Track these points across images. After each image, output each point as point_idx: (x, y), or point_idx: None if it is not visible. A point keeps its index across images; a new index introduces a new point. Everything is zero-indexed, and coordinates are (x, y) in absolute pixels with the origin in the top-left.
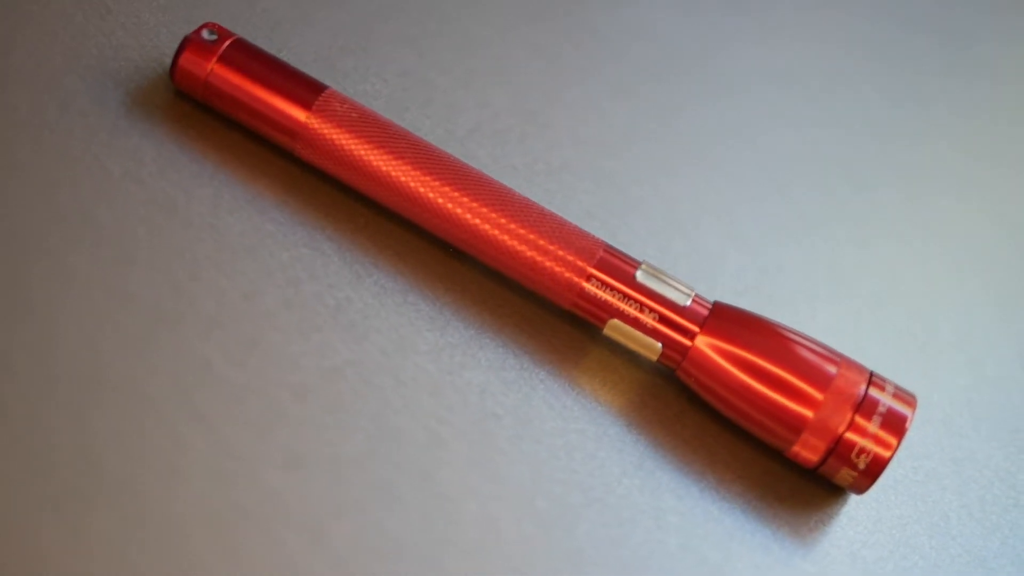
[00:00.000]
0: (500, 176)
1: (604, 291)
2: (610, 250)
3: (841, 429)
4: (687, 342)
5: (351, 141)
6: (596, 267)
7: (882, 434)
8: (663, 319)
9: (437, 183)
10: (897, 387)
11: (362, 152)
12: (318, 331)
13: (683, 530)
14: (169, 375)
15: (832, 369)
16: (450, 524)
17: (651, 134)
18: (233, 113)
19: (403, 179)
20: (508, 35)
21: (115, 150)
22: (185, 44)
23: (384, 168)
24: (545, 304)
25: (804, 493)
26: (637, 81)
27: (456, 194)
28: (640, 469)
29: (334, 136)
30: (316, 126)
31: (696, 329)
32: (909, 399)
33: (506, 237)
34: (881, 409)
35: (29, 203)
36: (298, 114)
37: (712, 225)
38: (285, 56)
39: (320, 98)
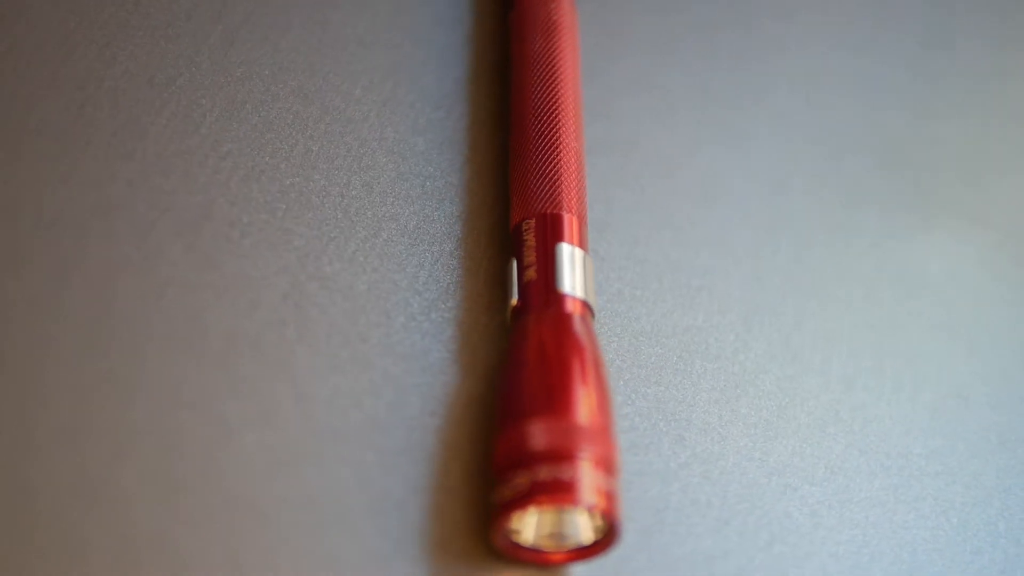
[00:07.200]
0: (601, 189)
1: (527, 235)
2: (574, 219)
3: (534, 450)
4: (522, 313)
5: (529, 34)
6: (540, 216)
7: (545, 484)
8: (534, 284)
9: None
10: (614, 498)
11: (522, 48)
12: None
13: (361, 438)
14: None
15: (583, 420)
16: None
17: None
18: None
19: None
20: (760, 114)
21: None
22: None
23: (517, 66)
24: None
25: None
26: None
27: (532, 101)
28: (397, 381)
29: (524, 23)
30: (523, 9)
31: (536, 309)
32: (611, 509)
33: (517, 140)
34: (570, 474)
35: None
36: None
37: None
38: None
39: None
